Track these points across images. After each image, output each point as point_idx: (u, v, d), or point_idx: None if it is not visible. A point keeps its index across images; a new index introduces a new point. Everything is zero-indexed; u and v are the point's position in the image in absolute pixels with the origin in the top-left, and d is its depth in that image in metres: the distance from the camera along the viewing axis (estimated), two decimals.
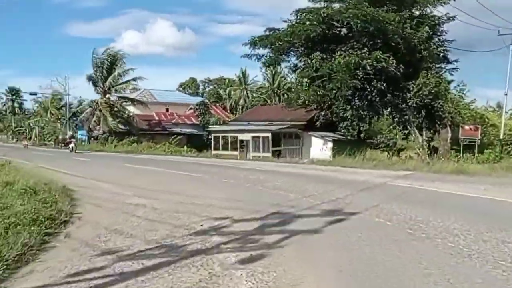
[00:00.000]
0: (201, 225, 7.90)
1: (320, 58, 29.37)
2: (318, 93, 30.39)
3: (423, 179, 14.72)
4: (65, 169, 18.87)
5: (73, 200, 10.55)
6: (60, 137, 50.67)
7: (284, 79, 64.69)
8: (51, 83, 58.42)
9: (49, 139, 54.89)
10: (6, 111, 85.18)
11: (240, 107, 68.31)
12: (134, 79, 46.48)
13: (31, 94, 43.05)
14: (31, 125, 62.65)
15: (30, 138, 61.27)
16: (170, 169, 19.66)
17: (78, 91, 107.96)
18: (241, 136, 33.32)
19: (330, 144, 30.42)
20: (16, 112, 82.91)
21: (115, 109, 45.74)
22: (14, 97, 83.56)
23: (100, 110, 44.58)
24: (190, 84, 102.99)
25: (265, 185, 13.25)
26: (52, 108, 57.10)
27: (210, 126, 42.91)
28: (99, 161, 26.33)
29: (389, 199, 10.26)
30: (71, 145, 36.30)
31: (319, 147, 31.09)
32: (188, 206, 10.00)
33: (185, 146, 40.17)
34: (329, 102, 30.58)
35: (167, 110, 56.72)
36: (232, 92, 73.50)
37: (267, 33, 32.01)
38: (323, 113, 31.09)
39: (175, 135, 45.91)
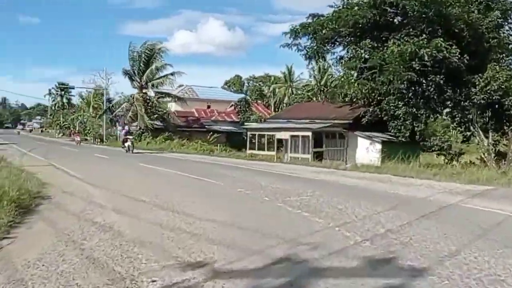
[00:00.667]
0: (153, 281, 4.62)
1: (370, 46, 25.38)
2: (366, 87, 26.39)
3: None
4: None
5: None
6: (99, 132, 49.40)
7: (331, 76, 60.43)
8: (94, 78, 57.62)
9: (90, 134, 53.82)
10: (55, 106, 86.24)
11: (284, 105, 64.78)
12: (172, 74, 44.04)
13: (70, 88, 41.65)
14: (74, 120, 62.25)
15: (70, 134, 60.84)
16: (185, 171, 16.56)
17: (121, 87, 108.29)
18: (278, 135, 29.87)
19: (379, 146, 26.40)
20: (65, 107, 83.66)
21: (151, 104, 43.55)
22: (63, 92, 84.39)
23: (137, 105, 42.53)
24: (235, 81, 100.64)
25: (288, 201, 9.74)
26: (94, 103, 56.08)
27: (246, 124, 39.69)
28: (114, 159, 23.97)
29: (474, 238, 6.41)
30: (127, 143, 29.76)
31: (366, 148, 27.13)
32: (166, 233, 6.80)
33: (221, 145, 37.24)
34: (379, 98, 26.51)
35: (208, 107, 54.44)
36: (277, 90, 70.22)
37: (310, 20, 28.36)
38: (371, 109, 27.04)
39: (212, 133, 43.17)
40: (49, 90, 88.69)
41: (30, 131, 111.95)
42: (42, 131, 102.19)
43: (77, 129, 62.62)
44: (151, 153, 30.97)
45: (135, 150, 29.47)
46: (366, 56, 25.83)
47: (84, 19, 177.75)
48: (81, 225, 7.47)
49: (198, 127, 46.99)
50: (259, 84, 79.04)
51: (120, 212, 8.67)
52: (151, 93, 45.03)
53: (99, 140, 47.63)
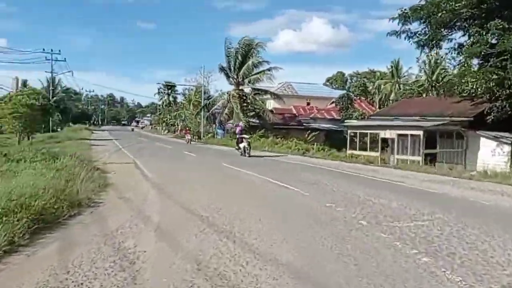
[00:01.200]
0: None
1: (499, 28, 20.62)
2: (493, 77, 21.56)
3: None
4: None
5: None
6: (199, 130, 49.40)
7: (444, 70, 53.77)
8: (196, 77, 58.25)
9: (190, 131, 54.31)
10: (163, 104, 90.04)
11: (390, 101, 59.37)
12: (269, 69, 42.04)
13: (171, 85, 42.18)
14: (176, 117, 63.73)
15: (175, 131, 62.29)
16: (269, 175, 14.04)
17: (221, 84, 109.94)
18: (383, 134, 26.02)
19: (507, 148, 21.49)
20: (171, 105, 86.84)
21: (247, 101, 42.05)
22: (169, 91, 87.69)
23: (233, 102, 41.36)
24: (337, 78, 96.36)
25: (395, 229, 6.68)
26: (194, 101, 56.58)
27: (346, 121, 36.09)
28: (204, 155, 22.49)
29: None
30: (242, 144, 24.00)
31: (492, 151, 22.31)
32: (198, 283, 4.32)
33: (319, 144, 34.22)
34: (509, 91, 21.54)
35: (307, 104, 51.72)
36: (382, 86, 64.82)
37: (423, 2, 24.14)
38: (497, 105, 22.12)
39: (310, 131, 40.28)
40: (158, 89, 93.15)
41: (142, 128, 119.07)
42: (151, 128, 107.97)
43: (179, 126, 64.03)
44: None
45: (252, 153, 24.03)
46: (493, 41, 21.16)
47: (192, 24, 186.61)
48: (97, 256, 5.31)
49: (295, 125, 44.46)
50: (363, 80, 74.01)
51: (161, 234, 6.50)
52: (247, 89, 43.58)
53: (196, 137, 47.53)
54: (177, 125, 72.76)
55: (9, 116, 26.71)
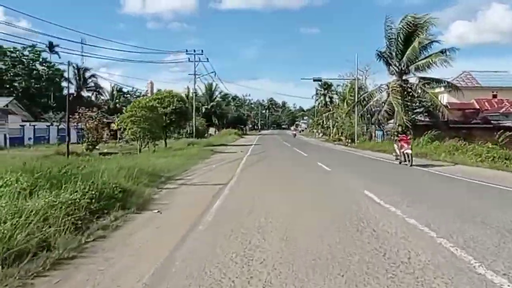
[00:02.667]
0: None
1: None
2: None
3: None
4: None
5: None
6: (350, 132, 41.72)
7: None
8: (351, 71, 50.48)
9: (344, 133, 46.77)
10: (319, 105, 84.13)
11: None
12: (442, 52, 31.98)
13: (314, 80, 35.42)
14: (329, 117, 56.77)
15: (330, 134, 55.45)
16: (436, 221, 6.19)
17: (381, 78, 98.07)
18: None
19: None
20: (327, 106, 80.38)
21: (413, 94, 32.76)
22: (326, 91, 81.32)
23: (393, 96, 32.60)
24: None
25: None
26: (348, 98, 48.84)
27: None
28: (344, 169, 14.99)
29: None
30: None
31: None
32: None
33: None
34: None
35: (494, 96, 39.68)
36: None
37: None
38: None
39: (503, 130, 28.98)
40: (316, 90, 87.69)
41: (300, 132, 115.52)
42: (309, 131, 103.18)
43: (333, 128, 57.07)
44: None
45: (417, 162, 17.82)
46: None
47: (355, 24, 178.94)
48: None
49: (479, 123, 33.35)
50: None
51: None
52: (413, 79, 34.21)
53: (349, 140, 39.91)
54: (331, 127, 65.99)
55: (127, 120, 23.54)
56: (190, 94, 79.92)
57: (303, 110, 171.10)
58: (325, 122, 74.54)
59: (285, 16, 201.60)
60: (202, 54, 44.75)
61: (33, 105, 53.81)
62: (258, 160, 19.69)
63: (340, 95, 54.66)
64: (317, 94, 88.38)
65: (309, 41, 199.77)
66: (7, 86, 55.61)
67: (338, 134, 51.04)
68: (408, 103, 32.17)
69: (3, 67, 56.98)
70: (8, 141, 35.65)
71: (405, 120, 30.97)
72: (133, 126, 23.45)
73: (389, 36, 33.95)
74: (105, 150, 28.43)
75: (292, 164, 18.19)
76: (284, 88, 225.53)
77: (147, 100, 24.55)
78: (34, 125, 41.44)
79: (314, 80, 35.61)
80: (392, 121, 34.77)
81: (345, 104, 50.41)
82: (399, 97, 31.82)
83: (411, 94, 33.03)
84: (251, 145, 36.89)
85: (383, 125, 35.37)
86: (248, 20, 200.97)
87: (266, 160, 19.93)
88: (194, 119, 42.78)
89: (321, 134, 70.55)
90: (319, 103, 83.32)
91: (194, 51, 44.06)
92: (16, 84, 56.34)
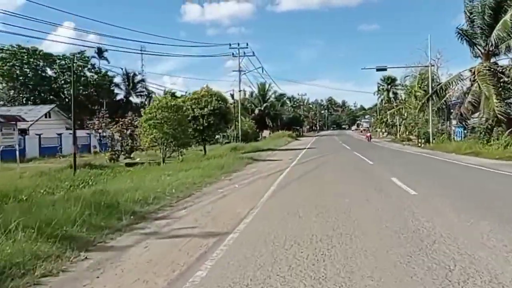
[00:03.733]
0: None
1: None
2: None
3: None
4: None
5: None
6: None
7: None
8: (420, 60, 43.42)
9: (414, 132, 39.90)
10: (382, 102, 76.58)
11: None
12: None
13: (378, 70, 29.22)
14: (394, 115, 49.75)
15: (395, 133, 48.55)
16: None
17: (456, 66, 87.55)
18: None
19: None
20: (391, 102, 72.77)
21: (505, 80, 25.74)
22: (389, 86, 73.77)
23: (480, 83, 25.83)
24: None
25: None
26: (417, 91, 41.81)
27: None
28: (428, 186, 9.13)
29: None
30: None
31: None
32: None
33: None
34: None
35: None
36: None
37: None
38: None
39: None
40: (378, 86, 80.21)
41: (362, 131, 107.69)
42: (371, 130, 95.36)
43: (400, 127, 50.31)
44: None
45: None
46: None
47: (417, 17, 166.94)
48: None
49: None
50: None
51: None
52: (504, 62, 27.17)
53: (422, 140, 33.21)
54: (397, 125, 58.68)
55: (145, 124, 19.14)
56: (246, 95, 76.54)
57: (364, 109, 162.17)
58: (389, 120, 67.27)
59: (343, 14, 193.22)
60: (247, 47, 39.79)
61: (82, 113, 52.06)
62: (304, 172, 14.36)
63: (407, 89, 47.46)
64: (379, 90, 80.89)
65: (369, 38, 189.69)
66: (54, 94, 54.75)
67: (406, 133, 44.08)
68: (501, 91, 25.21)
69: (54, 75, 56.30)
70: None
71: (497, 111, 24.20)
72: (152, 131, 19.02)
73: (470, 9, 27.18)
74: (137, 159, 24.46)
75: (352, 179, 12.66)
76: (344, 87, 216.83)
77: (169, 99, 19.97)
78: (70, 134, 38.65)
79: (378, 70, 29.61)
80: (476, 115, 27.93)
81: (412, 98, 43.45)
82: (490, 83, 24.98)
83: (502, 80, 26.00)
84: (303, 149, 31.46)
85: (466, 120, 28.44)
86: (305, 21, 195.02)
87: (316, 172, 14.57)
88: (239, 121, 38.04)
89: (385, 133, 63.30)
90: (381, 100, 75.76)
91: (238, 44, 39.14)
92: (65, 91, 55.02)
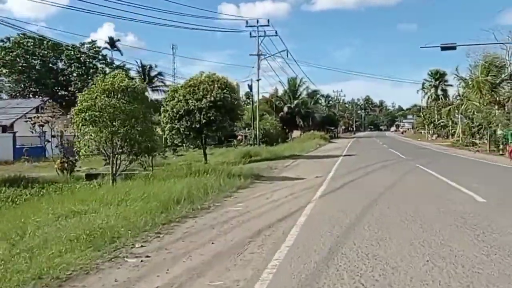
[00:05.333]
0: None
1: None
2: None
3: None
4: None
5: None
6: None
7: None
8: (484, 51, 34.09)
9: (485, 135, 30.48)
10: (428, 100, 66.48)
11: None
12: None
13: (443, 49, 20.52)
14: (450, 113, 40.26)
15: (447, 135, 39.18)
16: None
17: None
18: None
19: None
20: (440, 99, 62.82)
21: None
22: (437, 82, 63.64)
23: None
24: None
25: None
26: (483, 81, 32.43)
27: None
28: None
29: None
30: None
31: None
32: None
33: None
34: None
35: None
36: None
37: None
38: None
39: None
40: (422, 83, 70.10)
41: (402, 133, 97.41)
42: (414, 132, 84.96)
43: (456, 127, 41.02)
44: None
45: None
46: None
47: (455, 11, 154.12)
48: None
49: None
50: None
51: None
52: None
53: (502, 145, 23.96)
54: (449, 126, 49.20)
55: (77, 119, 11.38)
56: (280, 93, 67.53)
57: (402, 110, 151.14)
58: (440, 120, 57.47)
59: (380, 14, 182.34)
60: (268, 25, 31.29)
61: None
62: (345, 227, 6.28)
63: (467, 82, 37.67)
64: (423, 88, 70.69)
65: (408, 38, 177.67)
66: (61, 87, 48.74)
67: (469, 136, 34.58)
68: None
69: (63, 67, 50.39)
70: None
71: None
72: (88, 129, 11.29)
73: None
74: (91, 170, 16.59)
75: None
76: (381, 87, 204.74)
77: (121, 76, 11.96)
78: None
79: (443, 49, 20.63)
80: None
81: (473, 92, 34.05)
82: None
83: None
84: (339, 156, 22.99)
85: None
86: (342, 20, 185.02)
87: (374, 227, 6.38)
88: (257, 118, 29.54)
89: (434, 136, 53.56)
90: (429, 97, 65.56)
91: (257, 21, 30.74)
92: (72, 84, 48.70)
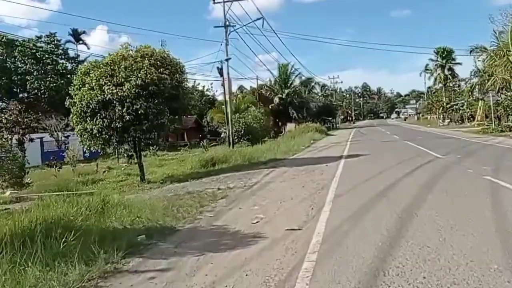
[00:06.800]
0: None
1: None
2: None
3: None
4: None
5: None
6: None
7: None
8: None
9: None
10: (434, 82, 59.15)
11: None
12: None
13: (448, 52, 13.76)
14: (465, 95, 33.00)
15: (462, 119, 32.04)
16: None
17: None
18: None
19: None
20: (448, 80, 55.52)
21: None
22: (444, 61, 56.17)
23: None
24: None
25: None
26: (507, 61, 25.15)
27: None
28: None
29: None
30: None
31: None
32: None
33: None
34: None
35: None
36: None
37: None
38: None
39: None
40: (426, 64, 62.70)
41: (405, 119, 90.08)
42: (418, 118, 77.47)
43: (466, 110, 34.21)
44: None
45: None
46: None
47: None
48: None
49: None
50: None
51: None
52: None
53: None
54: (463, 109, 42.21)
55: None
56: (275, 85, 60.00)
57: (401, 96, 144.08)
58: (447, 103, 50.28)
59: (372, 1, 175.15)
60: None
61: (55, 111, 38.28)
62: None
63: (494, 51, 30.12)
64: (426, 70, 63.28)
65: (402, 24, 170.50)
66: (18, 88, 41.58)
67: (497, 119, 27.22)
68: None
69: (21, 65, 43.15)
70: None
71: None
72: None
73: None
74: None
75: None
76: (378, 76, 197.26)
77: None
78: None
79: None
80: None
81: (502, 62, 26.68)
82: None
83: None
84: (339, 159, 15.66)
85: None
86: (334, 10, 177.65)
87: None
88: (229, 109, 21.63)
89: (446, 121, 46.11)
90: (435, 78, 58.02)
91: None
92: (27, 84, 41.29)
